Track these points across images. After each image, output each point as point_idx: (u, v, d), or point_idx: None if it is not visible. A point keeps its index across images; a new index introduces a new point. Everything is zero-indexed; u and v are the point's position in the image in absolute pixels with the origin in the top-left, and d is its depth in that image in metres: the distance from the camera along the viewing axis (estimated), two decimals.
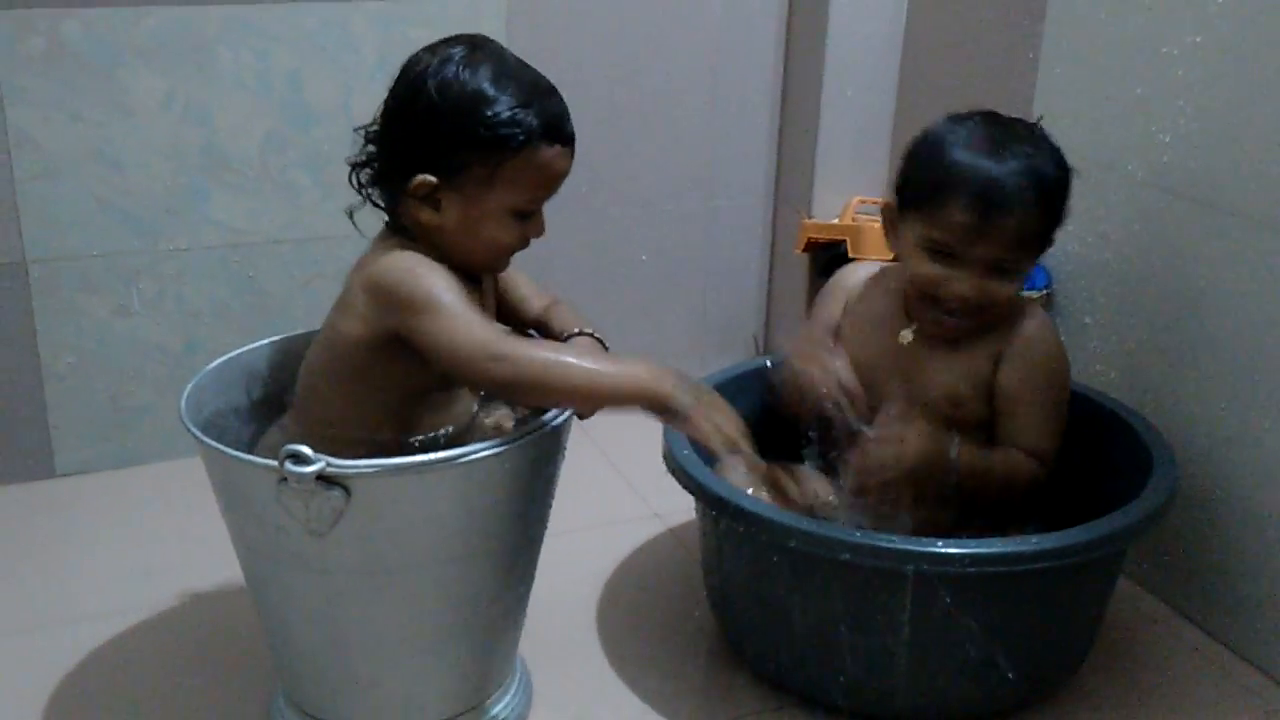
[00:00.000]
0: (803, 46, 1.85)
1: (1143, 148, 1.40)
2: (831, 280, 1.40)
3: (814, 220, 1.84)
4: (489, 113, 1.06)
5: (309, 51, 1.64)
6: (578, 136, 1.81)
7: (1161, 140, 1.38)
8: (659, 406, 1.07)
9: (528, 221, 1.13)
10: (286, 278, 1.71)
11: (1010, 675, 1.20)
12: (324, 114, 1.66)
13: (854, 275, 1.39)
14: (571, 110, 1.79)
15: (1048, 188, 1.20)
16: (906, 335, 1.29)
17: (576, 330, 1.20)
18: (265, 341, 1.24)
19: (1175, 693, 1.29)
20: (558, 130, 1.10)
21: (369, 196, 1.14)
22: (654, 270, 1.95)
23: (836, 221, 1.81)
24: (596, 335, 1.20)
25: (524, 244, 1.14)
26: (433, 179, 1.08)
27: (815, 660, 1.21)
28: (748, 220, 1.98)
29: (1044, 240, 1.23)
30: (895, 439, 1.22)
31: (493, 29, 1.71)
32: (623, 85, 1.83)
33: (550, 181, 1.12)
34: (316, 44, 1.64)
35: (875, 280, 1.36)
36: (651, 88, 1.85)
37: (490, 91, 1.07)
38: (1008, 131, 1.23)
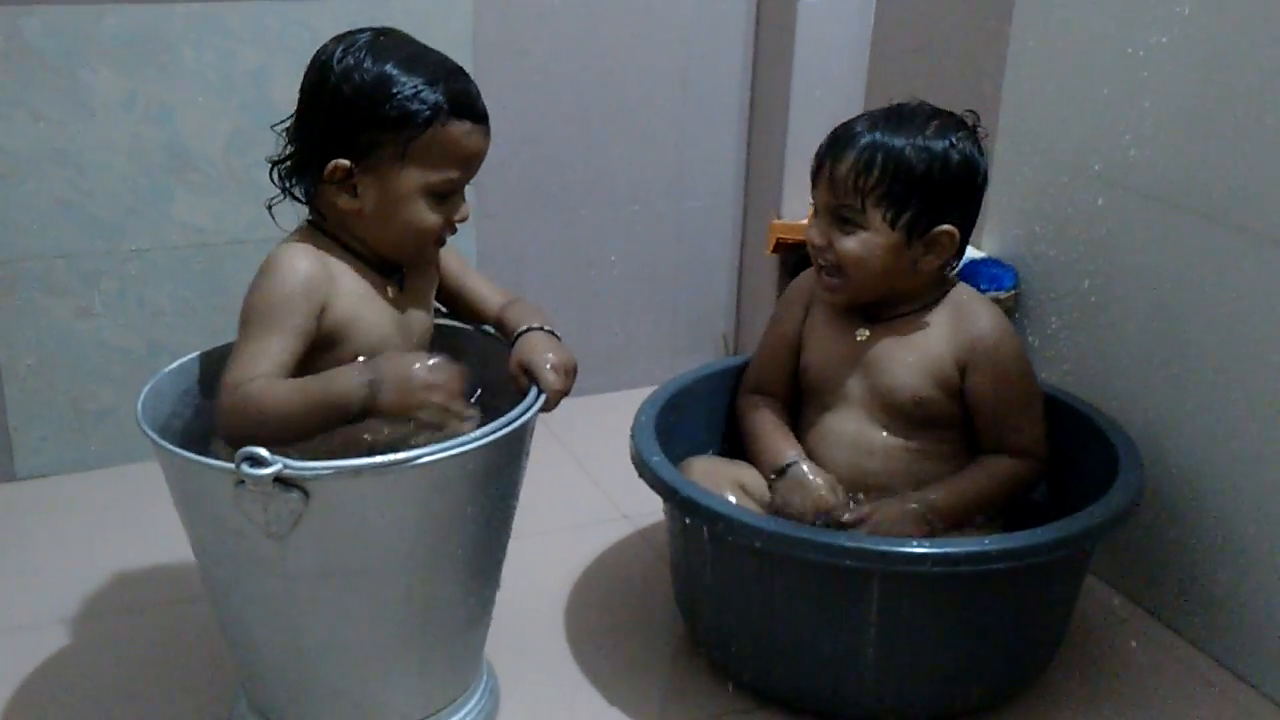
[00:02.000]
0: (771, 48, 1.85)
1: (1108, 149, 1.40)
2: (789, 287, 1.41)
3: (783, 221, 1.84)
4: (393, 90, 1.07)
5: (273, 50, 1.62)
6: (548, 136, 1.82)
7: (1127, 141, 1.38)
8: (359, 410, 1.05)
9: (447, 204, 1.12)
10: (250, 278, 1.68)
11: (978, 675, 1.20)
12: (288, 113, 1.63)
13: (806, 279, 1.39)
14: (540, 112, 1.81)
15: (888, 153, 1.22)
16: (863, 333, 1.30)
17: (526, 326, 1.19)
18: (225, 344, 1.22)
19: (1143, 690, 1.30)
20: (467, 107, 1.10)
21: (289, 191, 1.15)
22: (624, 271, 1.94)
23: (805, 222, 1.80)
24: (548, 329, 1.20)
25: (449, 229, 1.14)
26: (346, 162, 1.08)
27: (782, 661, 1.21)
28: (717, 221, 1.98)
29: (889, 204, 1.22)
30: (875, 527, 1.21)
31: (460, 29, 1.70)
32: (592, 87, 1.82)
33: (464, 159, 1.11)
34: (281, 43, 1.62)
35: None
36: (621, 89, 1.84)
37: (394, 71, 1.08)
38: (908, 116, 1.26)
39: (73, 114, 1.55)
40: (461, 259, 1.27)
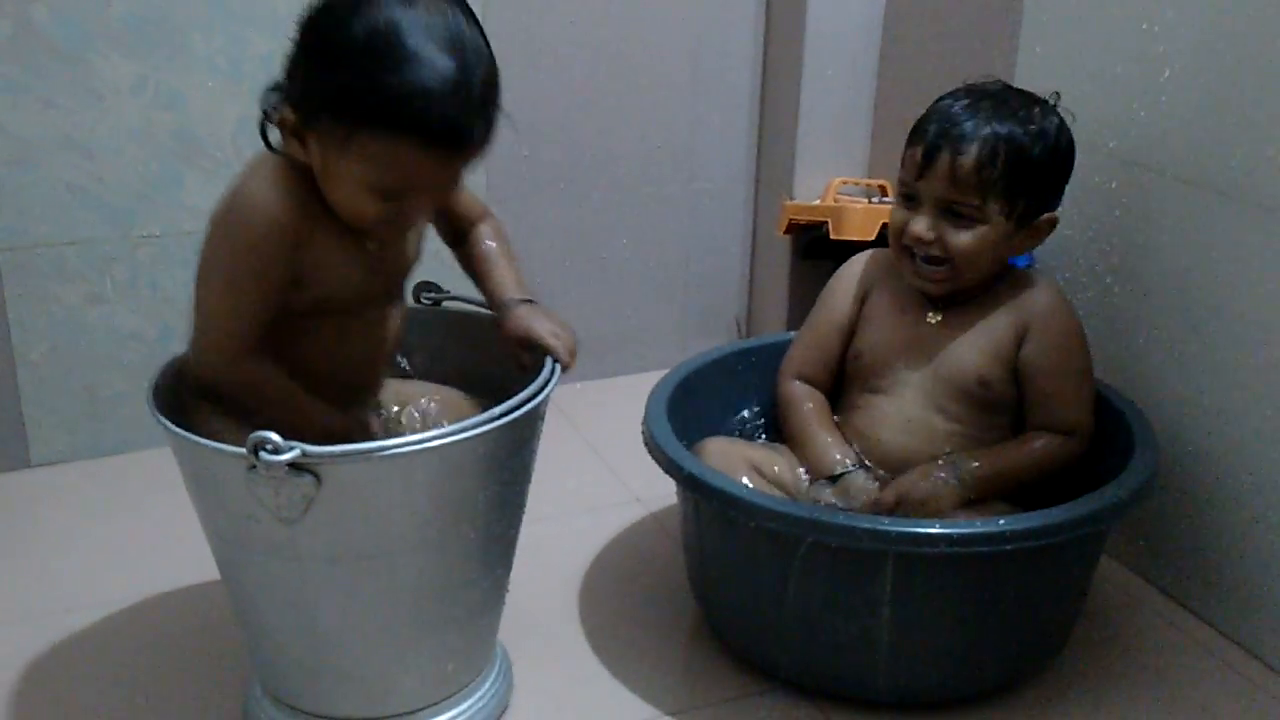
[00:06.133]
0: (783, 28, 1.84)
1: (1124, 126, 1.39)
2: (838, 274, 1.39)
3: (795, 202, 1.83)
4: (359, 67, 0.91)
5: (281, 35, 1.60)
6: (558, 119, 1.81)
7: (1142, 118, 1.37)
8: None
9: (398, 204, 0.99)
10: None
11: (992, 656, 1.20)
12: None
13: (865, 264, 1.37)
14: (550, 93, 1.80)
15: (1010, 145, 1.20)
16: (935, 316, 1.29)
17: (511, 298, 1.14)
18: None
19: (1158, 672, 1.29)
20: (437, 133, 0.92)
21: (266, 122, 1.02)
22: (635, 254, 1.94)
23: (818, 203, 1.80)
24: (534, 300, 1.16)
25: (399, 222, 1.02)
26: (292, 115, 0.97)
27: (797, 643, 1.21)
28: (729, 203, 1.97)
29: (1008, 197, 1.21)
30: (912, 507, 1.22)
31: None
32: (603, 69, 1.81)
33: (413, 180, 0.96)
34: (289, 28, 1.61)
35: (893, 265, 1.34)
36: (632, 70, 1.83)
37: (383, 45, 0.90)
38: (1004, 99, 1.24)
39: (82, 100, 1.54)
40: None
